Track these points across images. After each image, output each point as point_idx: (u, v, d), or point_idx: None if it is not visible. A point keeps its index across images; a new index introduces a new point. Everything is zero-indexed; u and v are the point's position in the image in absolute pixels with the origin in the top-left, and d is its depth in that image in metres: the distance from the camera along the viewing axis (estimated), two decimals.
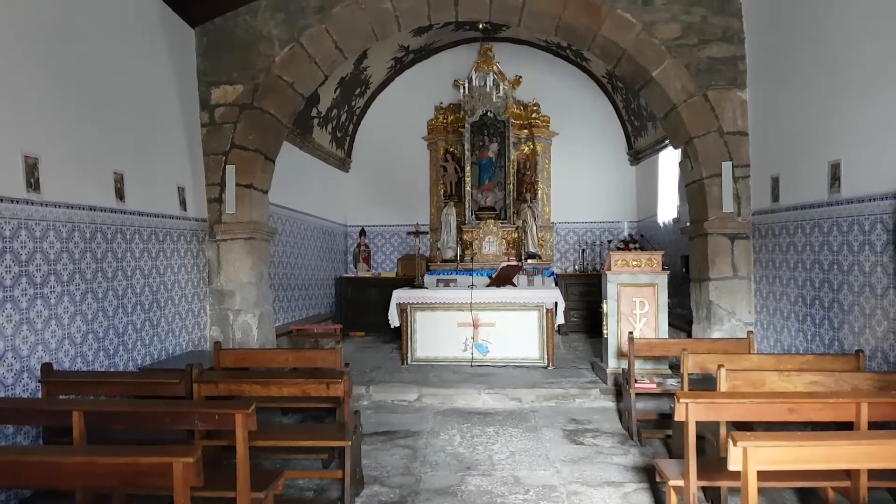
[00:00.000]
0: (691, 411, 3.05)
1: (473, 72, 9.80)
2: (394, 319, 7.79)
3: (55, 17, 4.54)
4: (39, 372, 4.02)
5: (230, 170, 6.61)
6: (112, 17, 5.28)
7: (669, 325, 6.64)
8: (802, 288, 5.35)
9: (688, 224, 6.85)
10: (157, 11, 6.00)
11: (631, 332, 5.47)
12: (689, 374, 4.36)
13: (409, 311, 7.73)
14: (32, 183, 4.22)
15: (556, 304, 7.52)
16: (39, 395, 4.03)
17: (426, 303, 7.74)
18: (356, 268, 11.24)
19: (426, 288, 8.18)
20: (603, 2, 6.40)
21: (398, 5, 6.59)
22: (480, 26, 9.79)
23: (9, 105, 4.06)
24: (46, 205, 4.34)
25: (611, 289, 6.51)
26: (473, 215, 10.72)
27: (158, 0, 5.98)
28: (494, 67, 10.37)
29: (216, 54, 6.68)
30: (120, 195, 5.22)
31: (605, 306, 6.58)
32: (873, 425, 3.00)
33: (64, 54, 4.62)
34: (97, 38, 5.04)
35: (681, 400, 3.06)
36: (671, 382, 5.64)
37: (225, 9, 6.61)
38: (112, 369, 5.05)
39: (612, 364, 6.48)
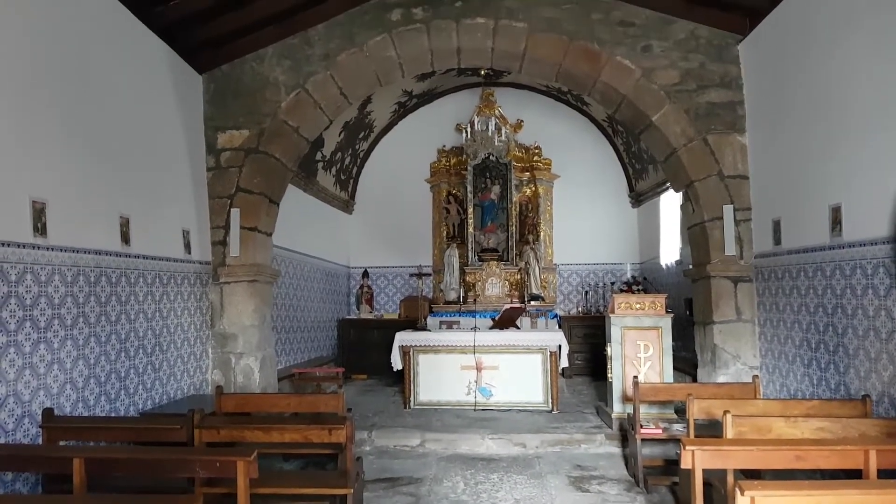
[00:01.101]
0: (698, 459, 3.02)
1: (476, 116, 9.96)
2: (396, 362, 7.75)
3: (65, 63, 4.64)
4: (40, 417, 4.00)
5: (235, 213, 6.67)
6: (122, 63, 5.40)
7: (674, 368, 6.59)
8: (807, 332, 5.33)
9: (690, 266, 6.86)
10: (166, 59, 6.14)
11: (636, 377, 5.43)
12: (695, 420, 4.32)
13: (411, 353, 7.70)
14: (39, 227, 4.26)
15: (559, 346, 7.48)
16: (40, 440, 4.00)
17: (429, 345, 7.70)
18: (359, 309, 11.22)
19: (429, 330, 8.15)
20: (602, 49, 6.54)
21: (402, 53, 6.74)
22: (482, 72, 9.98)
23: (19, 150, 4.13)
24: (52, 249, 4.38)
25: (614, 332, 6.49)
26: (476, 257, 10.75)
27: (167, 48, 6.11)
28: (496, 111, 10.54)
29: (223, 100, 6.80)
30: (125, 239, 5.26)
31: (609, 349, 6.54)
32: (882, 473, 2.96)
33: (74, 100, 4.71)
34: (107, 84, 5.15)
35: (687, 447, 3.03)
36: (677, 428, 5.57)
37: (232, 56, 6.76)
38: (113, 414, 5.02)
39: (617, 409, 6.42)
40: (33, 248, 4.21)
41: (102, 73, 5.10)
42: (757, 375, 5.16)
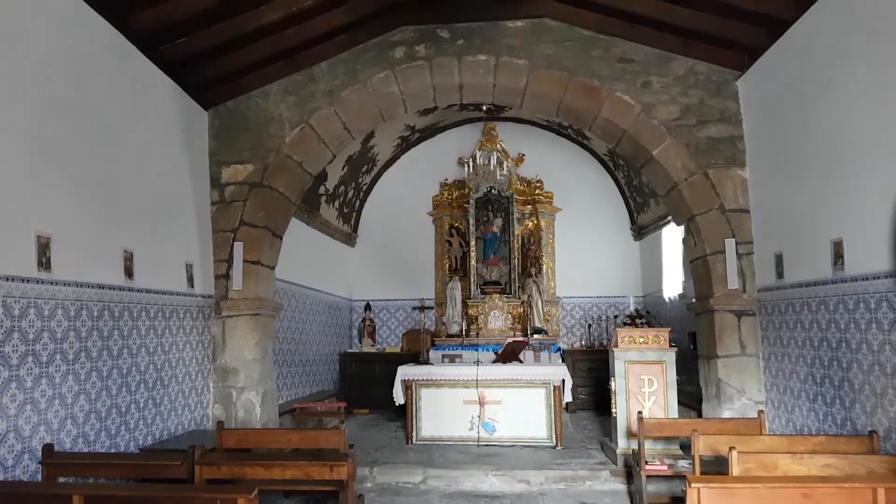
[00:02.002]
0: (704, 497, 2.98)
1: (478, 150, 10.05)
2: (398, 397, 7.70)
3: (72, 99, 4.71)
4: (40, 453, 3.97)
5: (238, 246, 6.69)
6: (128, 99, 5.48)
7: (679, 403, 6.53)
8: (812, 366, 5.29)
9: (693, 300, 6.85)
10: (173, 95, 6.23)
11: (640, 412, 5.39)
12: (700, 456, 4.27)
13: (414, 387, 7.65)
14: (44, 262, 4.28)
15: (563, 381, 7.43)
16: (39, 477, 3.96)
17: (431, 379, 7.65)
18: (361, 343, 11.18)
19: (431, 364, 8.11)
20: (602, 85, 6.63)
21: (405, 89, 6.83)
22: (484, 108, 10.10)
23: (25, 185, 4.17)
24: (56, 283, 4.39)
25: (618, 366, 6.45)
26: (479, 289, 10.75)
27: (174, 84, 6.21)
28: (498, 146, 10.65)
29: (228, 135, 6.88)
30: (129, 273, 5.28)
31: (612, 384, 6.50)
32: None
33: (80, 135, 4.77)
34: (113, 119, 5.22)
35: (692, 485, 2.99)
36: (682, 464, 5.51)
37: (238, 92, 6.86)
38: (114, 449, 4.97)
39: (622, 444, 6.34)
40: (37, 282, 4.22)
41: (109, 109, 5.17)
42: (762, 410, 5.12)
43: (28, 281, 4.14)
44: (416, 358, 8.76)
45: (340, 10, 6.18)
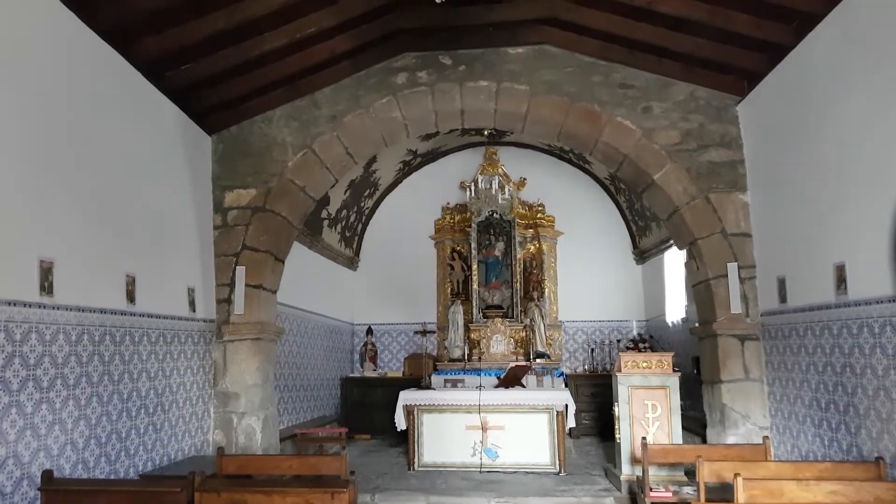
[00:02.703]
0: None
1: (479, 174, 10.09)
2: (400, 422, 7.64)
3: (77, 124, 4.75)
4: (39, 479, 3.93)
5: (240, 271, 6.70)
6: (133, 125, 5.53)
7: (683, 428, 6.47)
8: (816, 391, 5.25)
9: (696, 324, 6.83)
10: (177, 121, 6.28)
11: (644, 437, 5.34)
12: (705, 483, 4.22)
13: (416, 413, 7.59)
14: (46, 287, 4.29)
15: (566, 406, 7.37)
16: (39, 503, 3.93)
17: (433, 404, 7.60)
18: (362, 367, 11.12)
19: (433, 388, 8.06)
20: (603, 110, 6.68)
21: (407, 115, 6.89)
22: (486, 132, 10.16)
23: (28, 209, 4.19)
24: (58, 308, 4.39)
25: (622, 391, 6.41)
26: (481, 314, 10.72)
27: (178, 110, 6.26)
28: (499, 170, 10.71)
29: (231, 160, 6.92)
30: (131, 297, 5.28)
31: (616, 409, 6.45)
32: None
33: (85, 160, 4.81)
34: (118, 144, 5.26)
35: None
36: (687, 491, 5.44)
37: (242, 117, 6.91)
38: (113, 476, 4.93)
39: (626, 470, 6.27)
40: (39, 307, 4.22)
41: (114, 135, 5.22)
42: (767, 436, 5.08)
43: (30, 305, 4.14)
44: (418, 382, 8.71)
45: (343, 36, 6.25)
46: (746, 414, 6.14)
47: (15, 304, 4.02)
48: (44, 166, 4.36)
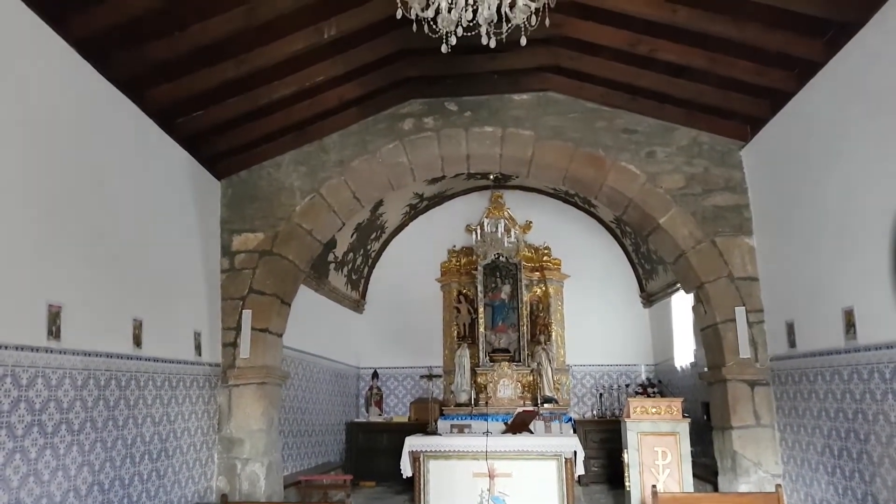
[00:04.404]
0: None
1: (485, 217, 10.17)
2: (406, 469, 7.53)
3: (88, 169, 4.81)
4: None
5: (247, 314, 6.70)
6: (144, 170, 5.61)
7: (694, 475, 6.36)
8: (828, 437, 5.16)
9: (705, 369, 6.76)
10: (188, 166, 6.37)
11: (654, 486, 5.24)
12: None
13: (422, 459, 7.48)
14: (54, 331, 4.30)
15: (575, 452, 7.26)
16: None
17: (440, 451, 7.50)
18: (368, 412, 11.01)
19: (440, 434, 7.97)
20: (607, 155, 6.74)
21: (413, 159, 6.98)
22: (491, 176, 10.27)
23: (38, 254, 4.23)
24: (65, 352, 4.39)
25: (631, 437, 6.32)
26: (487, 357, 10.64)
27: (188, 156, 6.35)
28: (505, 213, 10.78)
29: (240, 204, 7.00)
30: (137, 341, 5.28)
31: (625, 456, 6.35)
32: None
33: (95, 205, 4.86)
34: (128, 190, 5.33)
35: None
36: None
37: (251, 163, 7.01)
38: None
39: None
40: (47, 351, 4.23)
41: (125, 180, 5.29)
42: (780, 484, 4.99)
43: (37, 350, 4.15)
44: (424, 428, 8.61)
45: (351, 84, 6.38)
46: (758, 461, 6.02)
47: (23, 349, 4.02)
48: (55, 210, 4.42)
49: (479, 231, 9.93)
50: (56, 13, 4.39)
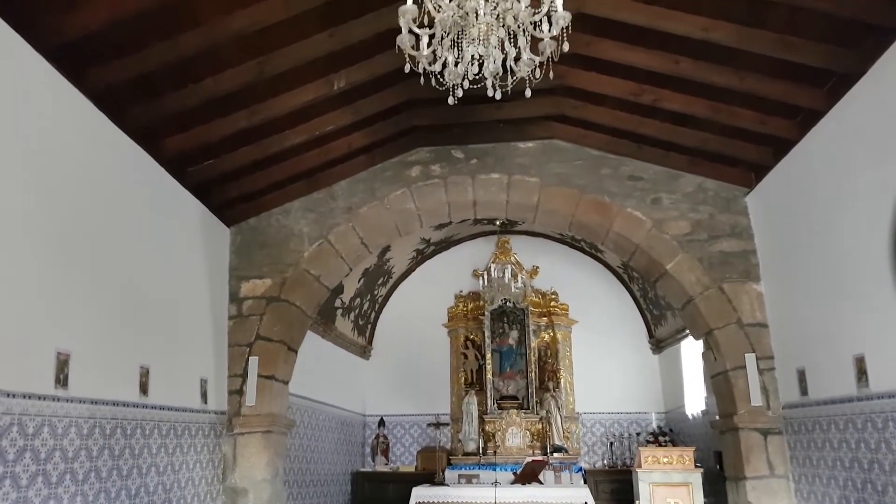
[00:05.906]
0: None
1: (492, 263, 10.21)
2: None
3: (97, 217, 4.85)
4: None
5: (253, 361, 6.68)
6: (153, 218, 5.67)
7: None
8: (845, 489, 5.05)
9: (717, 418, 6.65)
10: (198, 214, 6.45)
11: None
12: None
13: None
14: (61, 379, 4.30)
15: (585, 503, 7.11)
16: None
17: (448, 502, 7.37)
18: (374, 461, 10.85)
19: (447, 484, 7.84)
20: (613, 201, 6.78)
21: (420, 206, 7.05)
22: (498, 222, 10.32)
23: (47, 302, 4.25)
24: (71, 401, 4.38)
25: (643, 488, 6.20)
26: (495, 404, 10.51)
27: (199, 204, 6.43)
28: (512, 258, 10.80)
29: (248, 251, 7.04)
30: (144, 389, 5.27)
31: None
32: None
33: (103, 252, 4.89)
34: (137, 237, 5.38)
35: None
36: None
37: (260, 210, 7.09)
38: None
39: None
40: (54, 399, 4.22)
41: (135, 228, 5.35)
42: None
43: (44, 398, 4.14)
44: (432, 478, 8.48)
45: (360, 133, 6.50)
46: None
47: (30, 397, 4.01)
48: (66, 258, 4.46)
49: (486, 276, 9.95)
50: (74, 68, 4.52)
